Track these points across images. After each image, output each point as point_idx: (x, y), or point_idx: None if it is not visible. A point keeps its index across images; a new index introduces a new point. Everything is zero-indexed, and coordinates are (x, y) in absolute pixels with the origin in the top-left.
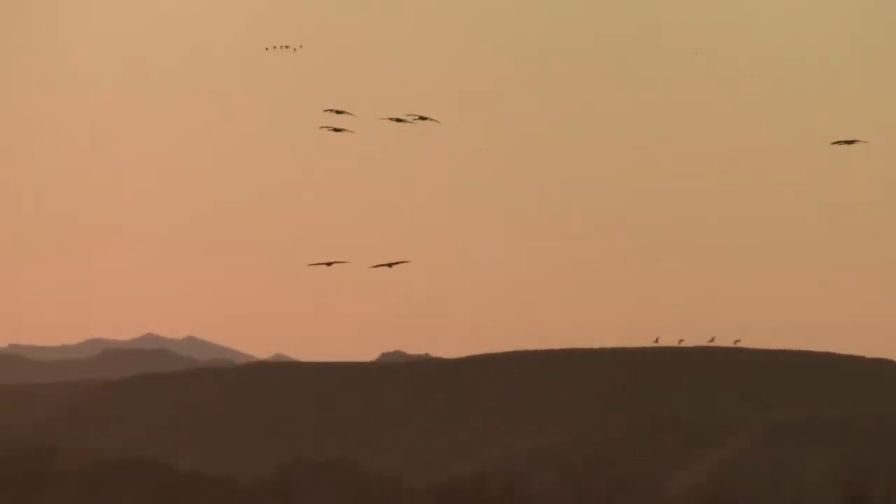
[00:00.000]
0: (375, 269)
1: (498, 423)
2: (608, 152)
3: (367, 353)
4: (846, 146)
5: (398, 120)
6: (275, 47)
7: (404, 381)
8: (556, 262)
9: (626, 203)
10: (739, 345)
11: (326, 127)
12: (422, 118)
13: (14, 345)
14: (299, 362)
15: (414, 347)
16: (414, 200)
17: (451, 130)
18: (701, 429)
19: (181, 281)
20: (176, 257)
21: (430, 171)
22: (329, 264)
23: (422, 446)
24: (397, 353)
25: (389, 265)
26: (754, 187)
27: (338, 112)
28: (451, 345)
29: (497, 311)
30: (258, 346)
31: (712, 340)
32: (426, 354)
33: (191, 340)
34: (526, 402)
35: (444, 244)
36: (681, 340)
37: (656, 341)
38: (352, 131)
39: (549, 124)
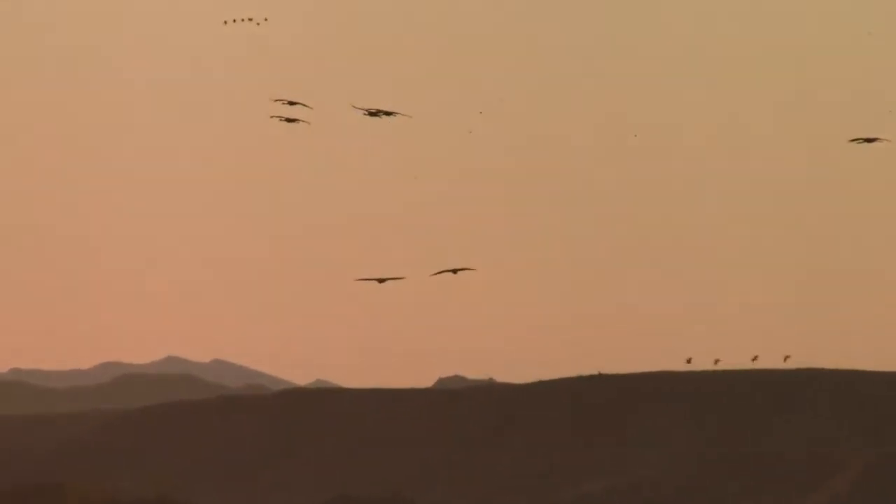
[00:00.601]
0: (437, 276)
1: (573, 455)
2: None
3: (423, 378)
4: (866, 144)
5: (373, 114)
6: (234, 21)
7: (465, 409)
8: (638, 277)
9: (719, 221)
10: (848, 366)
11: (278, 117)
12: (386, 113)
13: (16, 370)
14: (344, 389)
15: (475, 371)
16: (473, 208)
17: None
18: (805, 460)
19: (207, 297)
20: (201, 271)
21: (486, 177)
22: (381, 280)
23: (486, 484)
24: (457, 378)
25: (454, 271)
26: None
27: (290, 103)
28: (518, 369)
29: (569, 332)
30: (296, 370)
31: (786, 359)
32: (490, 379)
33: (218, 364)
34: (605, 432)
35: (509, 255)
36: (786, 357)
37: (754, 360)
38: (307, 122)
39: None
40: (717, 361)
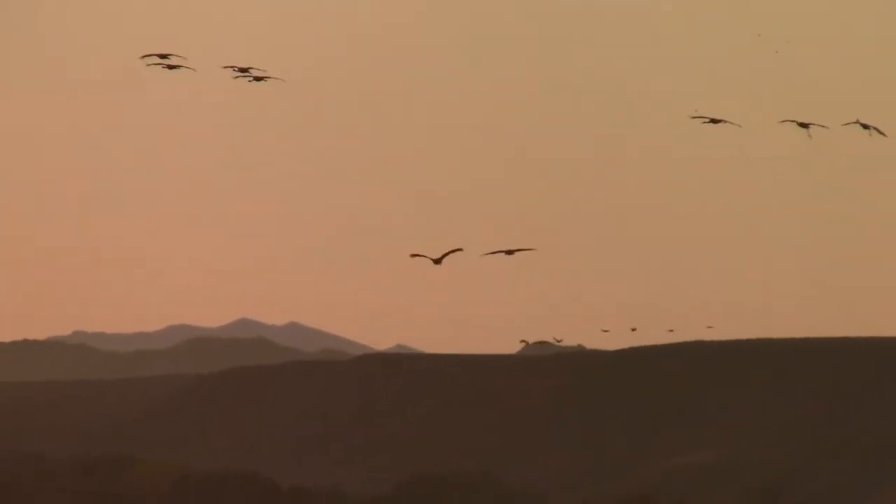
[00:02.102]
0: (492, 255)
1: (665, 429)
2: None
3: (507, 344)
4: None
5: (242, 71)
6: None
7: (552, 378)
8: (728, 238)
9: (812, 191)
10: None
11: (156, 63)
12: (257, 78)
13: (80, 332)
14: (425, 354)
15: (564, 337)
16: (557, 181)
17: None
18: None
19: (281, 257)
20: (276, 231)
21: (562, 150)
22: (438, 261)
23: (573, 457)
24: (543, 345)
25: (509, 252)
26: None
27: (161, 56)
28: (608, 335)
29: (661, 296)
30: (375, 334)
31: None
32: (578, 346)
33: (293, 327)
34: (699, 406)
35: (598, 224)
36: None
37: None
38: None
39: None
40: (670, 330)
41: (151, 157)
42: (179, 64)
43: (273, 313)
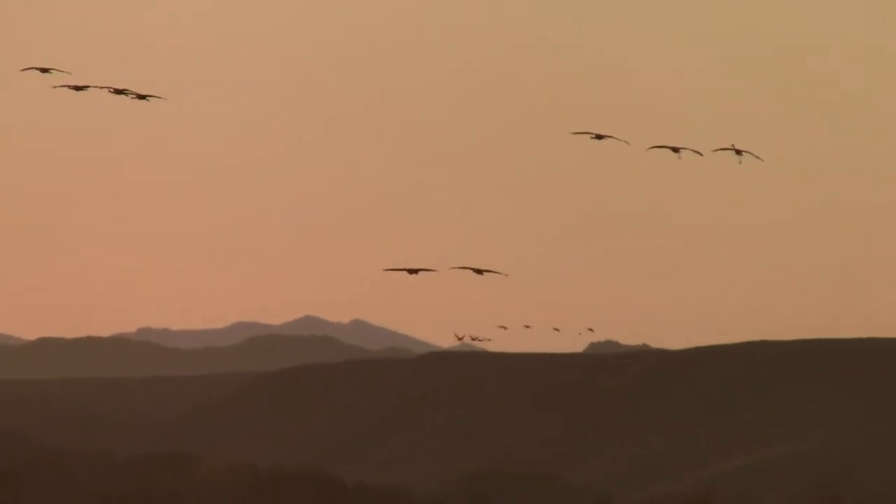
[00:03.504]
0: (460, 269)
1: (729, 427)
2: None
3: (574, 343)
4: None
5: (118, 92)
6: None
7: (617, 376)
8: (792, 242)
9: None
10: None
11: (32, 68)
12: (140, 96)
13: (144, 329)
14: (490, 353)
15: (629, 337)
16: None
17: None
18: None
19: (347, 255)
20: (342, 229)
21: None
22: (414, 272)
23: (637, 454)
24: (609, 344)
25: (478, 271)
26: None
27: (42, 70)
28: (673, 334)
29: (727, 296)
30: (440, 332)
31: None
32: (644, 345)
33: (358, 325)
34: (763, 403)
35: (660, 221)
36: None
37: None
38: (67, 73)
39: None
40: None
41: (217, 158)
42: (59, 73)
43: (338, 311)
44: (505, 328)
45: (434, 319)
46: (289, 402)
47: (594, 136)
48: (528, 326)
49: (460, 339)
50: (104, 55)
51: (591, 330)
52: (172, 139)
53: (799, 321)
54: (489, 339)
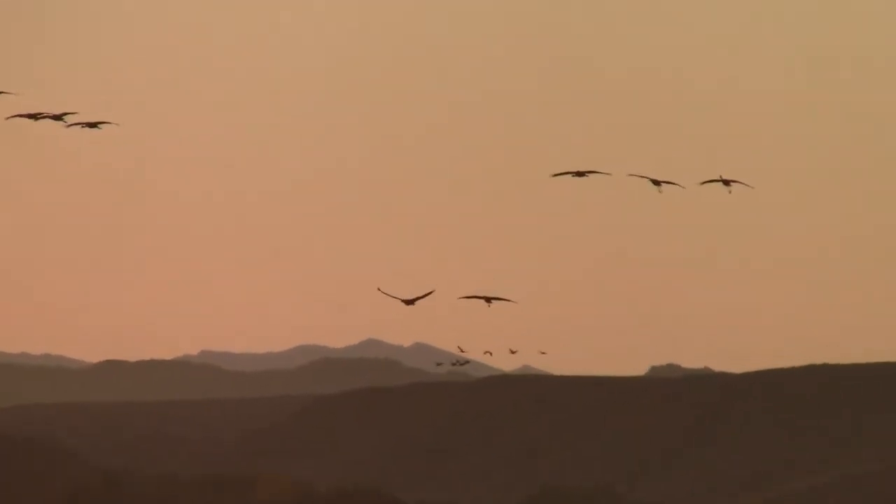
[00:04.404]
0: (468, 299)
1: (791, 449)
2: None
3: (635, 366)
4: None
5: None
6: None
7: (679, 399)
8: (852, 264)
9: None
10: None
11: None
12: (90, 125)
13: (207, 352)
14: (551, 376)
15: (691, 360)
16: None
17: None
18: None
19: (409, 277)
20: (404, 250)
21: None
22: (489, 300)
23: (698, 477)
24: (671, 367)
25: (488, 300)
26: None
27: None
28: (735, 357)
29: (789, 320)
30: (501, 355)
31: None
32: (706, 368)
33: (420, 347)
34: (825, 426)
35: (720, 244)
36: None
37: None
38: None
39: None
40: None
41: (280, 180)
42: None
43: (399, 334)
44: (544, 353)
45: (495, 343)
46: (350, 425)
47: (574, 174)
48: (513, 352)
49: (463, 352)
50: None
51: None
52: (236, 160)
53: (861, 344)
54: (489, 353)
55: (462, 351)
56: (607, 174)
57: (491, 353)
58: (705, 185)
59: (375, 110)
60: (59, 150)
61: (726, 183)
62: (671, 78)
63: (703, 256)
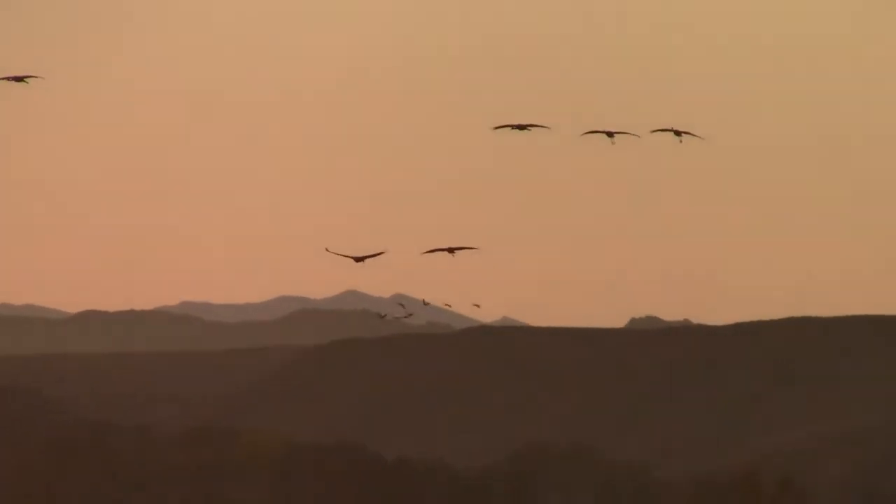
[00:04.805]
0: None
1: (773, 404)
2: None
3: (615, 318)
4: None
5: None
6: None
7: (659, 352)
8: (837, 216)
9: None
10: None
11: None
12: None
13: (187, 303)
14: (532, 327)
15: (670, 313)
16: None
17: None
18: None
19: (389, 227)
20: (383, 199)
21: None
22: (452, 251)
23: (680, 431)
24: (650, 319)
25: (451, 250)
26: None
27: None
28: (715, 310)
29: (769, 273)
30: (482, 307)
31: None
32: (685, 321)
33: (400, 299)
34: (807, 380)
35: (701, 197)
36: None
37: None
38: None
39: None
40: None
41: (258, 136)
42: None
43: (379, 286)
44: (477, 306)
45: (476, 294)
46: (330, 377)
47: (514, 126)
48: (477, 305)
49: (427, 304)
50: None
51: (476, 305)
52: (220, 111)
53: (840, 297)
54: (448, 306)
55: (426, 304)
56: (545, 127)
57: (479, 306)
58: (656, 133)
59: (353, 61)
60: (43, 97)
61: (677, 133)
62: (618, 31)
63: (683, 209)
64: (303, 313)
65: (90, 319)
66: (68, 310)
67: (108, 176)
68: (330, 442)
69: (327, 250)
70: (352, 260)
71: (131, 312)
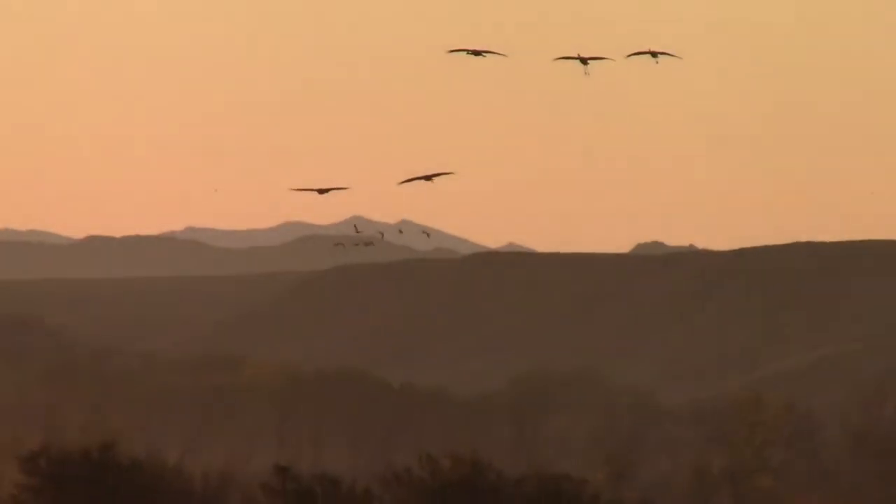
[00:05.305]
0: (410, 182)
1: (774, 328)
2: None
3: (620, 243)
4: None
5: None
6: None
7: (663, 277)
8: (838, 143)
9: None
10: None
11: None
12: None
13: (192, 228)
14: (537, 253)
15: (675, 238)
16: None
17: None
18: None
19: (393, 153)
20: (388, 125)
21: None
22: (429, 178)
23: (683, 356)
24: (656, 245)
25: (428, 177)
26: None
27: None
28: (719, 235)
29: (774, 198)
30: (488, 233)
31: None
32: (690, 246)
33: (405, 225)
34: (810, 304)
35: (702, 122)
36: None
37: None
38: None
39: None
40: None
41: (271, 58)
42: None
43: (385, 212)
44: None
45: (481, 220)
46: (335, 303)
47: (471, 52)
48: (426, 234)
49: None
50: None
51: (426, 234)
52: (217, 45)
53: (844, 221)
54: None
55: (357, 231)
56: (503, 55)
57: (429, 235)
58: (631, 57)
59: None
60: (60, 24)
61: (654, 55)
62: None
63: (686, 134)
64: (308, 239)
65: (95, 245)
66: (73, 235)
67: (113, 101)
68: (333, 368)
69: (292, 189)
70: (315, 192)
71: (136, 238)
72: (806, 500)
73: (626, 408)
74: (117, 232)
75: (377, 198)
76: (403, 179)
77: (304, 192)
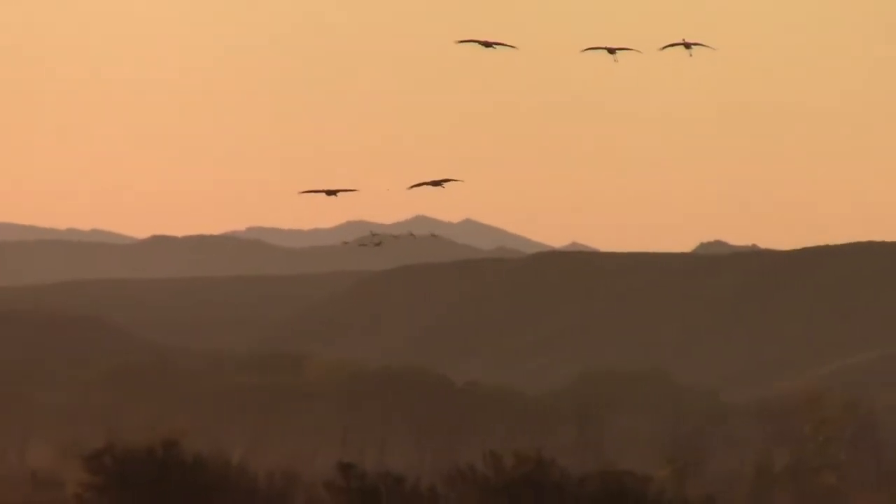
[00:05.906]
0: (418, 187)
1: (839, 327)
2: None
3: (682, 243)
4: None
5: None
6: None
7: (726, 276)
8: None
9: None
10: None
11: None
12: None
13: (254, 228)
14: (600, 252)
15: (738, 237)
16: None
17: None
18: None
19: (455, 154)
20: (452, 129)
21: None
22: (437, 183)
23: (746, 354)
24: (718, 244)
25: (436, 183)
26: None
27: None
28: (782, 235)
29: (836, 198)
30: (551, 232)
31: None
32: (753, 246)
33: (468, 224)
34: (873, 303)
35: (770, 122)
36: None
37: None
38: None
39: None
40: None
41: (323, 62)
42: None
43: (449, 210)
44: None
45: (546, 219)
46: (398, 302)
47: (481, 43)
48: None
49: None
50: None
51: (412, 235)
52: (284, 44)
53: None
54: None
55: (391, 237)
56: (512, 47)
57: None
58: (665, 49)
59: None
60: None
61: (687, 46)
62: None
63: (752, 134)
64: (371, 239)
65: (158, 245)
66: (136, 235)
67: (179, 105)
68: (397, 366)
69: (301, 192)
70: (324, 194)
71: (199, 237)
72: (868, 497)
73: (690, 406)
74: (180, 232)
75: (440, 196)
76: (412, 184)
77: (342, 192)
